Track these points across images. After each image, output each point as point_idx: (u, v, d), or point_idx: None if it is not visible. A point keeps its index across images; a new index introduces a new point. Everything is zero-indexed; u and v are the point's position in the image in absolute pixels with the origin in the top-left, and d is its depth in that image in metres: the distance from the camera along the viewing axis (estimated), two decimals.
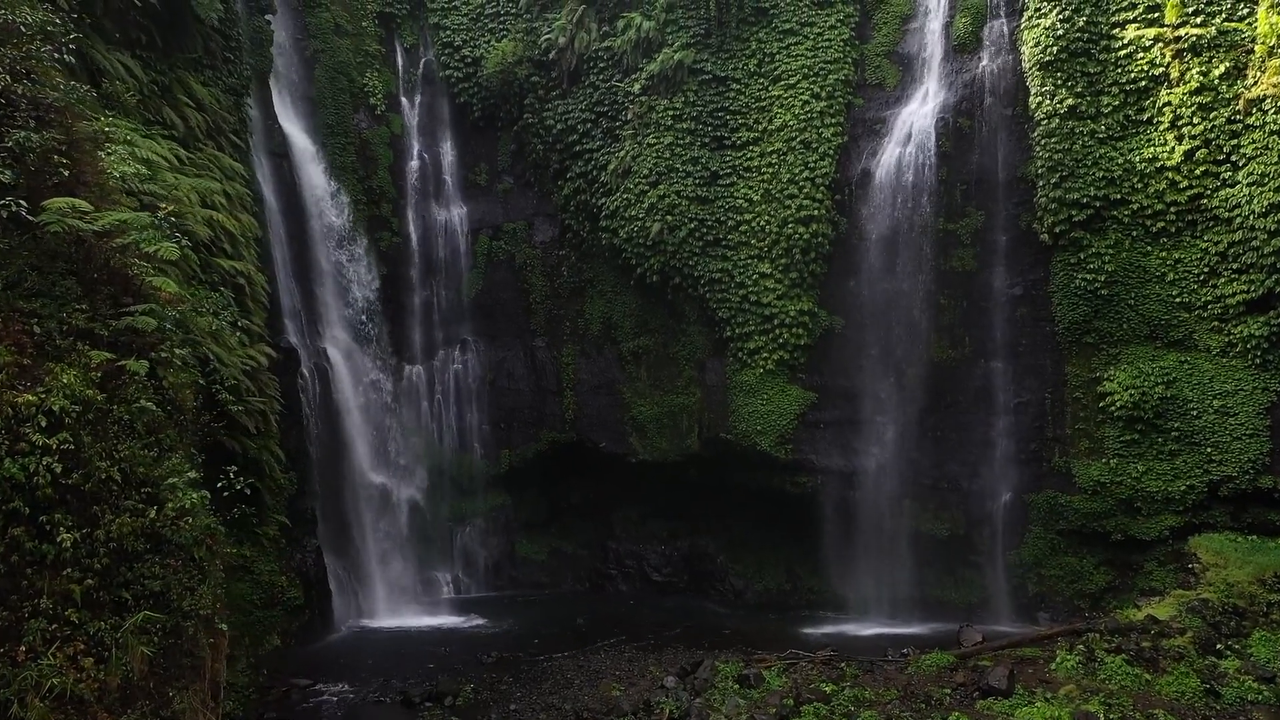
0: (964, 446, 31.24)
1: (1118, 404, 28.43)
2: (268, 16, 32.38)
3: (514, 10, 37.10)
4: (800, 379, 32.65)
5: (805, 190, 32.21)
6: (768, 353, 32.48)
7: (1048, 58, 29.53)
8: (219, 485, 16.44)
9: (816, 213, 32.07)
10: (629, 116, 34.54)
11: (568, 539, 37.39)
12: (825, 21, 33.33)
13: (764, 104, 33.37)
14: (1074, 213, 29.12)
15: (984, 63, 31.31)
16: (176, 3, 24.01)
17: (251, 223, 25.95)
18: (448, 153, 37.97)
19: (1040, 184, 29.66)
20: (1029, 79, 30.12)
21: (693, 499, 35.87)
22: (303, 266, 31.80)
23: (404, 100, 37.56)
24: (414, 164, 37.34)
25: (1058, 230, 29.39)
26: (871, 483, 32.19)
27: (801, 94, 32.83)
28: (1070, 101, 29.21)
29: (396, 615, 31.65)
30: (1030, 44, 30.00)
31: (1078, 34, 29.28)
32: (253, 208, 27.38)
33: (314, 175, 33.15)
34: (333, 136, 34.59)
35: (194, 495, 11.96)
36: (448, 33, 37.42)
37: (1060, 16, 29.48)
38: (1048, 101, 29.57)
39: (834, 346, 32.53)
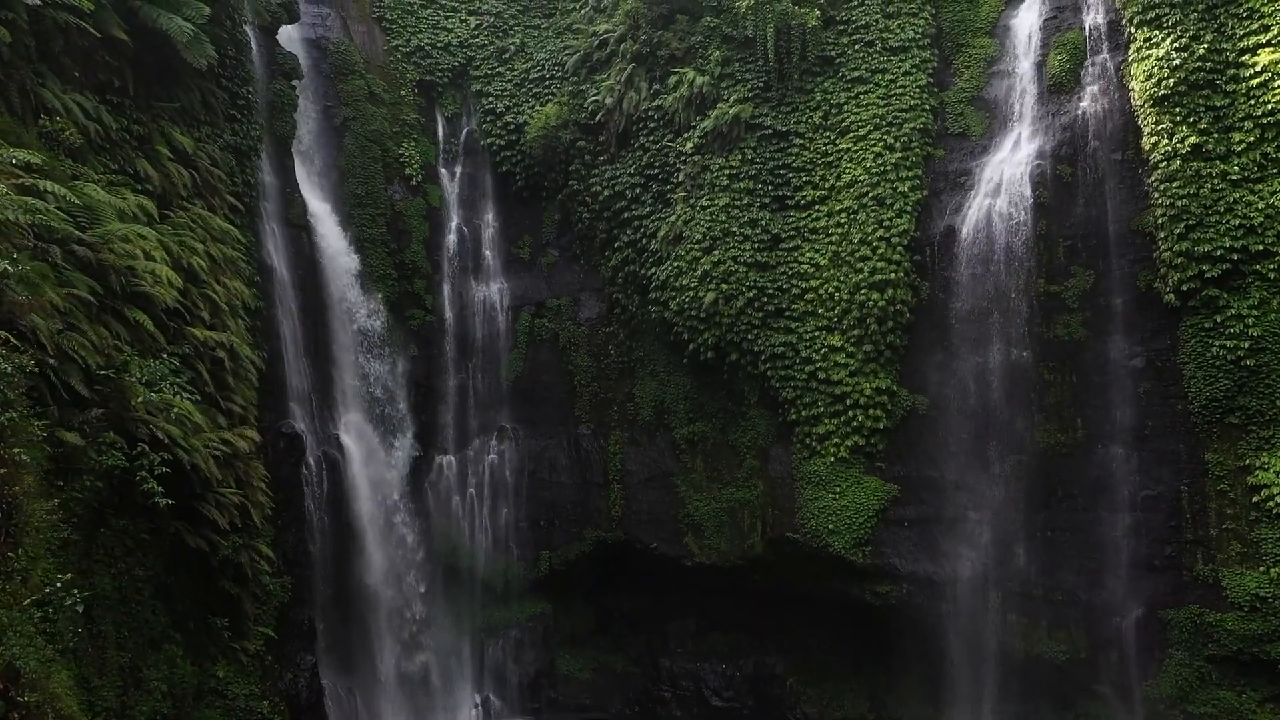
0: (1081, 550, 26.15)
1: (1277, 499, 23.09)
2: (293, 82, 30.34)
3: (560, 74, 34.69)
4: (879, 469, 28.21)
5: (879, 251, 28.23)
6: (840, 438, 28.18)
7: (1163, 92, 25.42)
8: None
9: (893, 276, 28.01)
10: (681, 178, 31.27)
11: (615, 654, 32.89)
12: (899, 68, 29.85)
13: (831, 159, 29.81)
14: (1205, 268, 24.46)
15: (1085, 103, 27.29)
16: (163, 48, 21.66)
17: (242, 290, 23.07)
18: (489, 225, 35.18)
19: (1162, 236, 25.19)
20: (1141, 117, 26.00)
21: (757, 609, 31.35)
22: (318, 345, 28.86)
23: (443, 171, 35.08)
24: (452, 237, 34.59)
25: (1186, 289, 24.73)
26: (968, 593, 27.30)
27: (873, 146, 29.16)
28: (1194, 140, 24.90)
29: None
30: (1140, 78, 25.93)
31: (1198, 63, 25.13)
32: (251, 275, 24.65)
33: (336, 248, 30.49)
34: (360, 207, 32.05)
35: None
36: (490, 99, 35.09)
37: (1176, 45, 25.41)
38: (1166, 141, 25.32)
39: (918, 430, 28.21)
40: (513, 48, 35.56)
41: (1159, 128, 25.52)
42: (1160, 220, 25.28)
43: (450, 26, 35.56)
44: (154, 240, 19.26)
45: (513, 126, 34.71)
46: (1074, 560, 26.17)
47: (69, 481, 14.50)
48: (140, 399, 15.63)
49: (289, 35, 31.46)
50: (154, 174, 21.02)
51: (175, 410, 16.47)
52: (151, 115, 21.81)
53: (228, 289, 22.34)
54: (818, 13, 30.33)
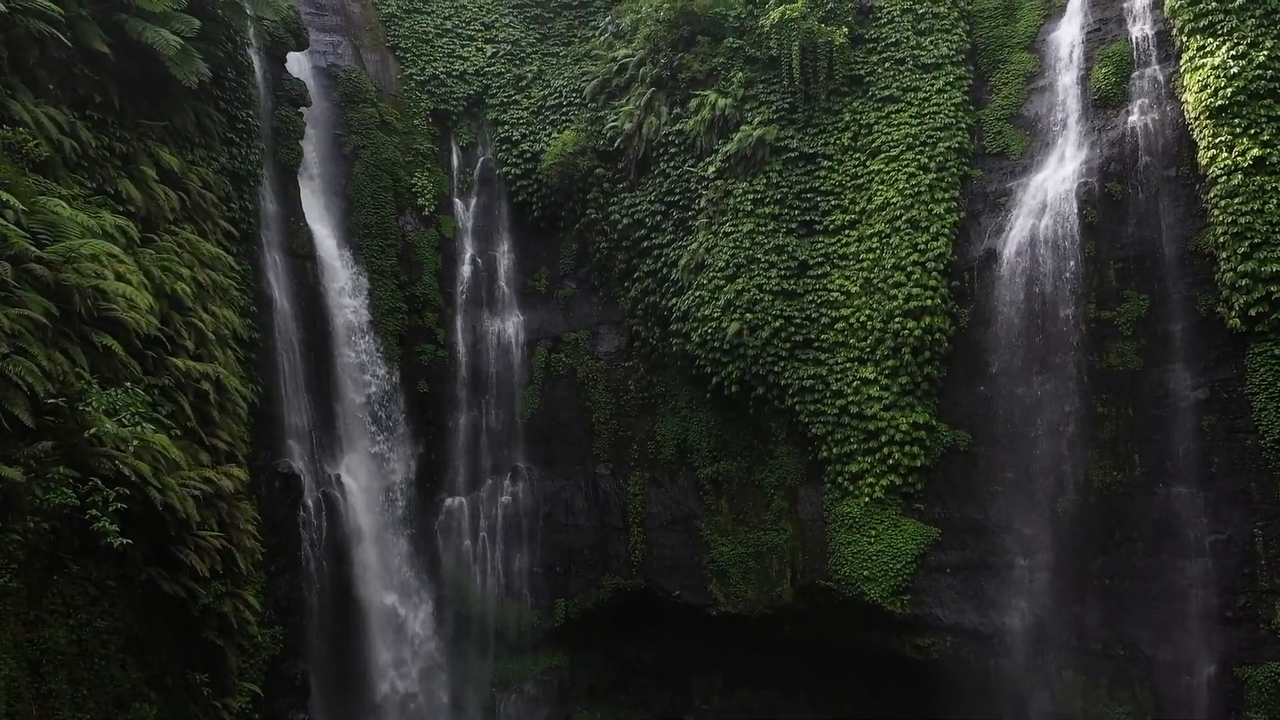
0: (1144, 599, 23.84)
1: None
2: (300, 109, 29.34)
3: (578, 101, 33.52)
4: (917, 510, 26.22)
5: (914, 277, 26.49)
6: (874, 477, 26.26)
7: (1220, 102, 23.64)
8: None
9: (929, 303, 26.23)
10: (703, 204, 29.77)
11: (636, 710, 30.86)
12: (932, 85, 28.36)
13: (861, 181, 28.26)
14: (1274, 289, 22.48)
15: (1134, 117, 25.57)
16: (151, 64, 20.55)
17: (233, 319, 21.73)
18: (504, 256, 33.80)
19: (1224, 256, 23.23)
20: (1196, 130, 24.20)
21: (788, 662, 29.31)
22: (320, 380, 27.46)
23: (457, 201, 33.83)
24: (465, 269, 33.22)
25: (1253, 313, 22.70)
26: (1019, 647, 25.07)
27: (906, 166, 27.57)
28: (1256, 152, 23.05)
29: None
30: (1195, 89, 24.18)
31: (1258, 71, 23.37)
32: (246, 305, 23.44)
33: (342, 279, 29.22)
34: (370, 238, 30.78)
35: None
36: (506, 128, 33.90)
37: (1233, 53, 23.68)
38: (1225, 155, 23.47)
39: (959, 468, 26.19)
40: (530, 75, 34.49)
41: (1217, 140, 23.65)
42: (1221, 239, 23.30)
43: (466, 55, 34.56)
44: (130, 263, 17.95)
45: (529, 155, 33.48)
46: (1136, 611, 23.82)
47: (9, 522, 12.97)
48: (94, 431, 14.11)
49: (299, 63, 30.55)
50: (137, 195, 19.78)
51: (136, 444, 14.94)
52: (138, 134, 20.65)
53: (216, 317, 21.01)
54: (845, 30, 28.97)
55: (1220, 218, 23.33)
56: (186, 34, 20.50)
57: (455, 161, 34.25)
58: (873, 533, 26.15)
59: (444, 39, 34.58)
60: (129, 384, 15.60)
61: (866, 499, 26.29)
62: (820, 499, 27.27)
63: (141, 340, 18.04)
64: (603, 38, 34.03)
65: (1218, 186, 23.49)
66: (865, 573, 26.04)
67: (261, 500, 23.15)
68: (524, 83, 34.47)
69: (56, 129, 17.69)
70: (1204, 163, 23.93)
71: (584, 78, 33.60)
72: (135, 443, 14.82)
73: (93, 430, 14.17)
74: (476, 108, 34.44)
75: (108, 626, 16.67)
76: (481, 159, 34.37)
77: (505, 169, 33.61)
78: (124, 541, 14.32)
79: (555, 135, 33.10)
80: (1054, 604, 24.72)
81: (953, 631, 25.88)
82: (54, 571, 14.93)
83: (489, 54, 34.67)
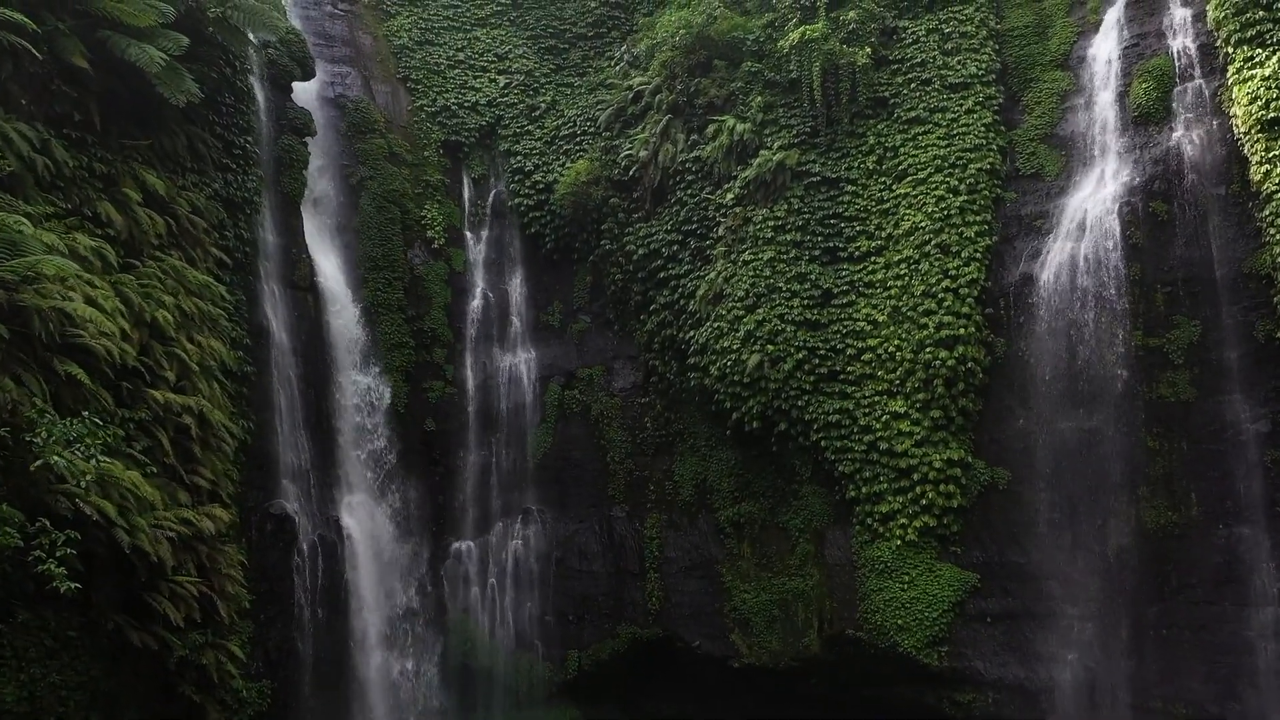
0: (1207, 651, 21.84)
1: None
2: (305, 139, 28.52)
3: (592, 130, 32.49)
4: (954, 554, 24.39)
5: (946, 304, 24.95)
6: (907, 518, 24.50)
7: (1272, 114, 22.23)
8: None
9: (962, 331, 24.64)
10: (721, 232, 28.47)
11: None
12: (960, 106, 27.07)
13: (887, 205, 26.90)
14: None
15: (1178, 133, 24.14)
16: (136, 82, 19.63)
17: (220, 350, 20.52)
18: (516, 290, 32.61)
19: None
20: (1246, 145, 22.74)
21: (815, 717, 27.29)
22: (320, 417, 26.21)
23: (469, 234, 32.78)
24: (476, 303, 32.05)
25: None
26: (1069, 704, 23.07)
27: (935, 189, 26.19)
28: None
29: None
30: (1244, 102, 22.77)
31: None
32: (238, 336, 22.35)
33: (345, 313, 28.12)
34: (375, 271, 29.70)
35: None
36: (519, 159, 32.91)
37: None
38: (1279, 170, 21.82)
39: (999, 508, 24.36)
40: (543, 105, 33.59)
41: (1270, 155, 22.11)
42: (1278, 260, 21.67)
43: (479, 86, 33.74)
44: (106, 287, 16.86)
45: (542, 186, 32.42)
46: (1199, 665, 21.77)
47: None
48: (41, 463, 12.81)
49: (306, 92, 29.82)
50: (118, 218, 18.72)
51: (89, 478, 13.61)
52: (122, 155, 19.67)
53: (201, 348, 19.81)
54: (868, 51, 27.81)
55: (1277, 237, 21.72)
56: (174, 52, 19.59)
57: (466, 193, 33.27)
58: (906, 578, 24.32)
59: (456, 70, 33.83)
60: (87, 414, 14.30)
61: (898, 542, 24.50)
62: (849, 542, 25.51)
63: (115, 370, 16.87)
64: (618, 66, 33.13)
65: (1273, 204, 21.91)
66: (898, 622, 24.19)
67: (251, 544, 21.83)
68: (537, 113, 33.57)
69: (27, 145, 16.70)
70: (1256, 179, 22.40)
71: (598, 106, 32.61)
72: (89, 476, 13.49)
73: (39, 463, 12.89)
74: (489, 139, 33.53)
75: (66, 681, 15.30)
76: (494, 191, 33.36)
77: (518, 200, 32.58)
78: (72, 586, 12.93)
79: (569, 165, 32.06)
80: (1106, 657, 22.73)
81: (995, 686, 23.91)
82: (1, 620, 13.59)
83: (502, 85, 33.83)
